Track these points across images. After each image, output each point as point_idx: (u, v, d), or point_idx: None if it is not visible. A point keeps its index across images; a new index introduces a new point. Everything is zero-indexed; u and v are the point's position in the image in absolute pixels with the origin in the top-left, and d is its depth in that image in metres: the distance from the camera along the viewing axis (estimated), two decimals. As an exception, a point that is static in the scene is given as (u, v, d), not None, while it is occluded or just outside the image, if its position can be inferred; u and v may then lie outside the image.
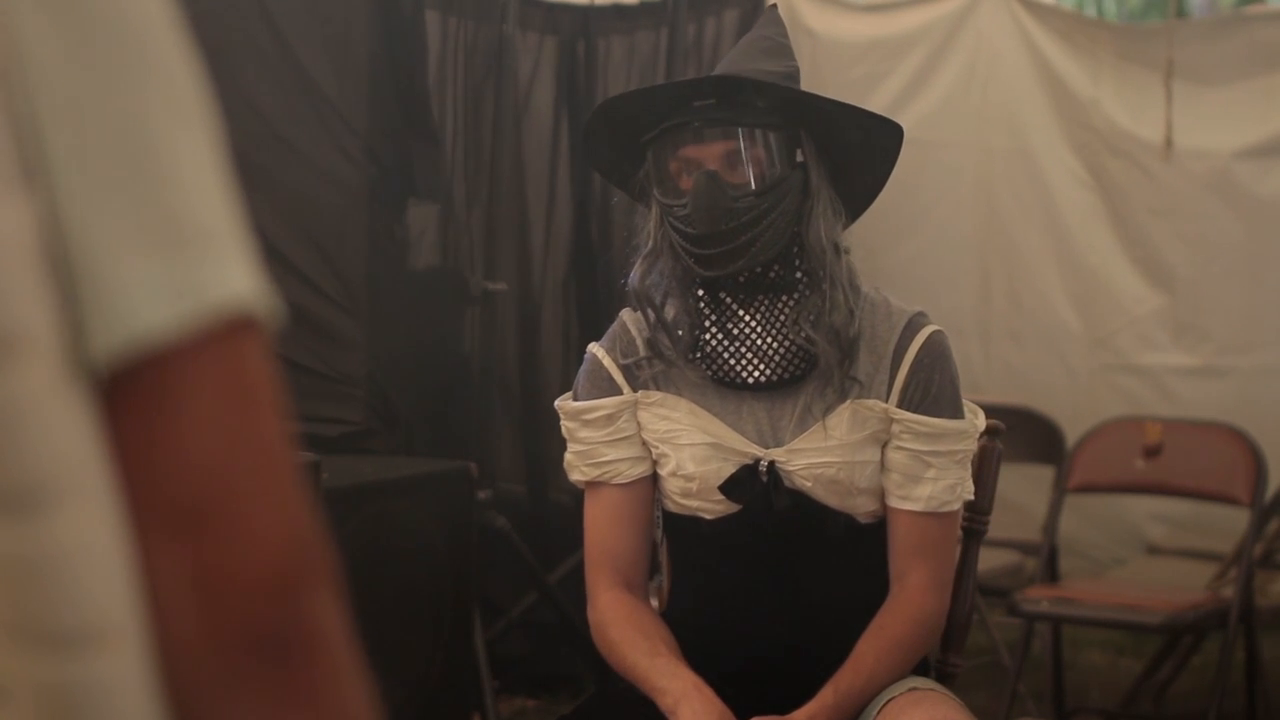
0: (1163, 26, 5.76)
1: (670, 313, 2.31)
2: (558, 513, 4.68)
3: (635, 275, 2.33)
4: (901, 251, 5.35)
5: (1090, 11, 7.99)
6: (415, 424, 4.25)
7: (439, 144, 4.23)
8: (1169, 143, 5.46)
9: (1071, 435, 4.43)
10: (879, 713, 2.21)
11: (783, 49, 2.36)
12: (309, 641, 0.76)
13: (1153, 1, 8.55)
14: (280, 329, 0.78)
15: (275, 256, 3.89)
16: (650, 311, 2.31)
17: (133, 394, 0.74)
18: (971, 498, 2.35)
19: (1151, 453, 4.18)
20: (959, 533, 2.42)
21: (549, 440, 4.73)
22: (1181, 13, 6.62)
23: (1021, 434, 4.25)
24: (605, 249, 4.89)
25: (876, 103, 5.37)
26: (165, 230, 0.74)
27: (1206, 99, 5.47)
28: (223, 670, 0.75)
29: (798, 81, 2.34)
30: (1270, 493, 4.19)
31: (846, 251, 2.30)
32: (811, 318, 2.25)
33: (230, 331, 0.75)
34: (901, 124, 2.31)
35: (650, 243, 2.32)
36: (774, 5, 2.49)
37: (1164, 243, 5.58)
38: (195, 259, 0.74)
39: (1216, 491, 4.13)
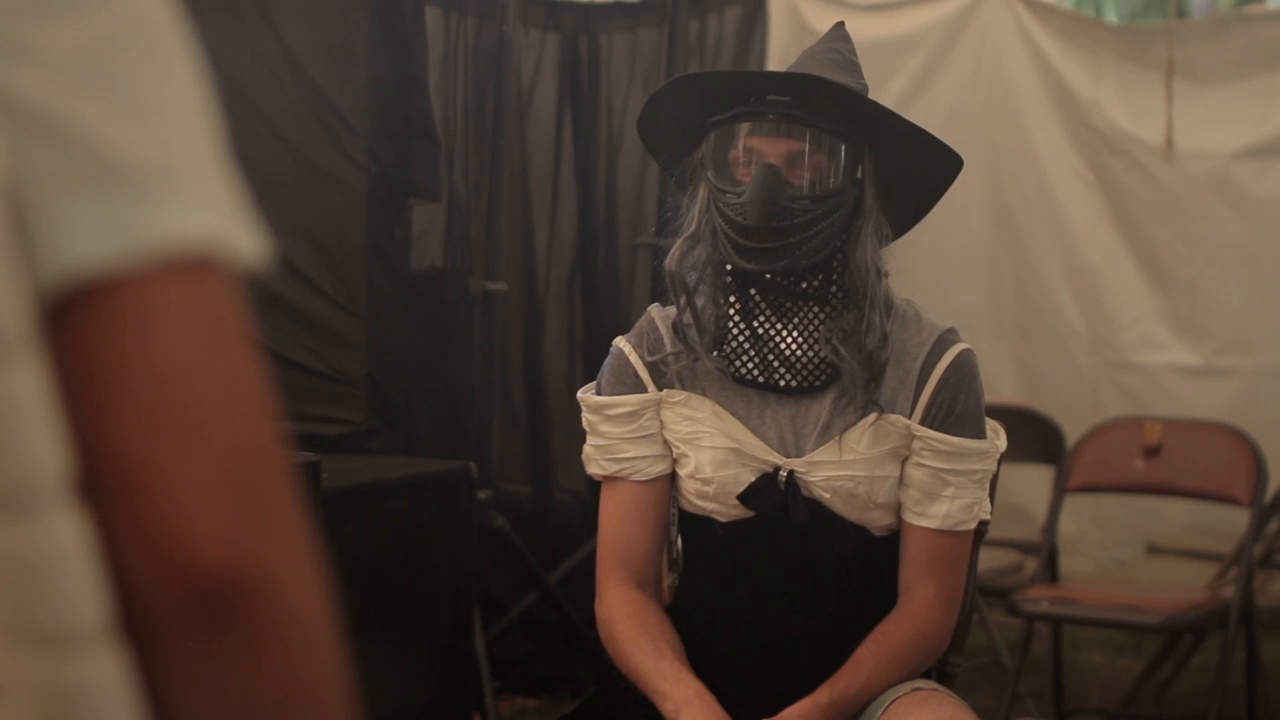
0: (1163, 26, 5.76)
1: (700, 303, 2.29)
2: (559, 513, 4.68)
3: (673, 257, 2.30)
4: (913, 249, 5.33)
5: (1089, 11, 7.98)
6: (415, 424, 4.25)
7: (439, 144, 4.23)
8: (1169, 143, 5.46)
9: (1075, 433, 4.43)
10: (883, 713, 2.20)
11: (855, 67, 2.34)
12: (256, 595, 0.73)
13: (1153, 1, 8.55)
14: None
15: (275, 256, 3.88)
16: (682, 296, 2.30)
17: (74, 329, 0.72)
18: (988, 517, 2.35)
19: (1151, 453, 4.18)
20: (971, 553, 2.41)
21: (552, 440, 4.74)
22: (1181, 13, 6.62)
23: (1021, 434, 4.24)
24: (609, 248, 4.89)
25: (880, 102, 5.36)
26: (111, 165, 0.73)
27: (1206, 99, 5.47)
28: (163, 621, 0.73)
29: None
30: (1270, 493, 4.19)
31: (886, 275, 2.29)
32: (842, 335, 2.24)
33: (182, 269, 0.73)
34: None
35: (693, 226, 2.29)
36: (841, 22, 2.45)
37: (1164, 242, 5.58)
38: (141, 195, 0.73)
39: (1216, 491, 4.12)
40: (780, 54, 5.21)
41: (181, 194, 0.74)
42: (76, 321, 0.72)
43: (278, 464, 0.74)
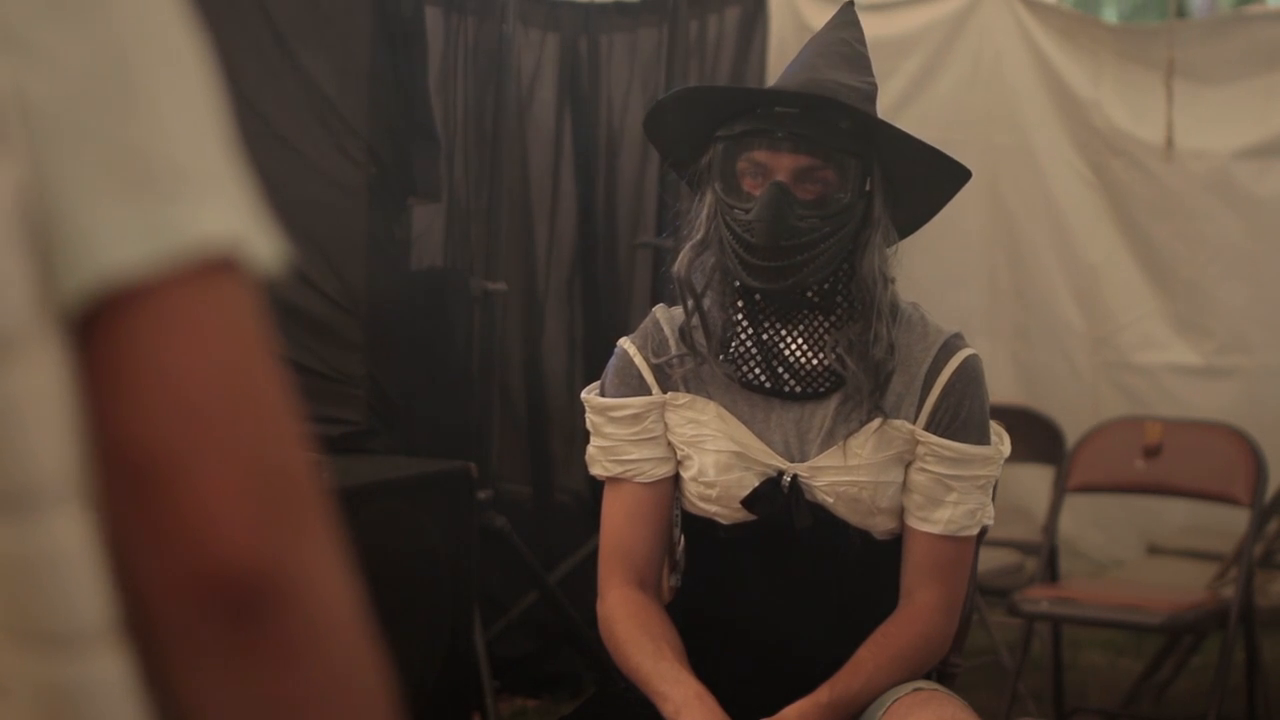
0: (1163, 26, 5.76)
1: (706, 306, 2.28)
2: (559, 513, 4.68)
3: (682, 262, 2.28)
4: (911, 250, 5.32)
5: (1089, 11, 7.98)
6: (415, 424, 4.25)
7: (439, 144, 4.23)
8: (1170, 143, 5.45)
9: (1075, 433, 4.43)
10: (884, 713, 2.20)
11: (863, 59, 2.32)
12: (283, 597, 0.73)
13: (1151, 1, 8.55)
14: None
15: (288, 258, 3.88)
16: (690, 301, 2.28)
17: (103, 335, 0.72)
18: (991, 523, 2.34)
19: (1151, 453, 4.18)
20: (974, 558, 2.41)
21: (552, 440, 4.73)
22: (1181, 13, 6.62)
23: (1021, 434, 4.24)
24: (609, 248, 4.89)
25: (880, 103, 5.36)
26: (137, 170, 0.73)
27: (1206, 99, 5.47)
28: (187, 626, 0.72)
29: (875, 101, 2.31)
30: (1270, 493, 4.19)
31: (892, 281, 2.28)
32: (847, 343, 2.23)
33: (207, 271, 0.73)
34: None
35: (701, 232, 2.27)
36: (850, 2, 2.43)
37: (1164, 242, 5.58)
38: (168, 198, 0.73)
39: (1216, 491, 4.12)
40: (780, 53, 5.20)
41: (201, 196, 0.74)
42: (105, 325, 0.72)
43: (301, 465, 0.75)
